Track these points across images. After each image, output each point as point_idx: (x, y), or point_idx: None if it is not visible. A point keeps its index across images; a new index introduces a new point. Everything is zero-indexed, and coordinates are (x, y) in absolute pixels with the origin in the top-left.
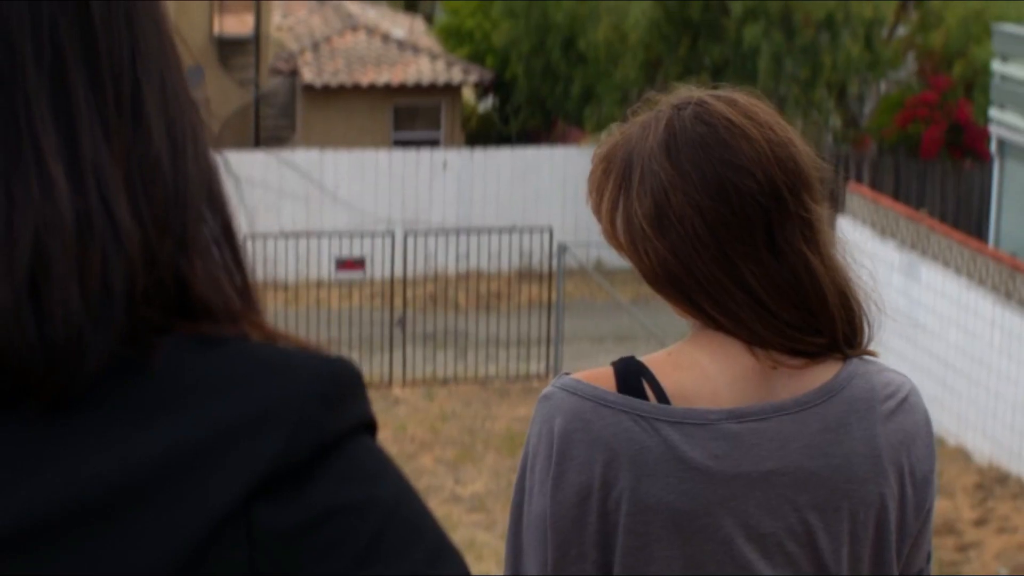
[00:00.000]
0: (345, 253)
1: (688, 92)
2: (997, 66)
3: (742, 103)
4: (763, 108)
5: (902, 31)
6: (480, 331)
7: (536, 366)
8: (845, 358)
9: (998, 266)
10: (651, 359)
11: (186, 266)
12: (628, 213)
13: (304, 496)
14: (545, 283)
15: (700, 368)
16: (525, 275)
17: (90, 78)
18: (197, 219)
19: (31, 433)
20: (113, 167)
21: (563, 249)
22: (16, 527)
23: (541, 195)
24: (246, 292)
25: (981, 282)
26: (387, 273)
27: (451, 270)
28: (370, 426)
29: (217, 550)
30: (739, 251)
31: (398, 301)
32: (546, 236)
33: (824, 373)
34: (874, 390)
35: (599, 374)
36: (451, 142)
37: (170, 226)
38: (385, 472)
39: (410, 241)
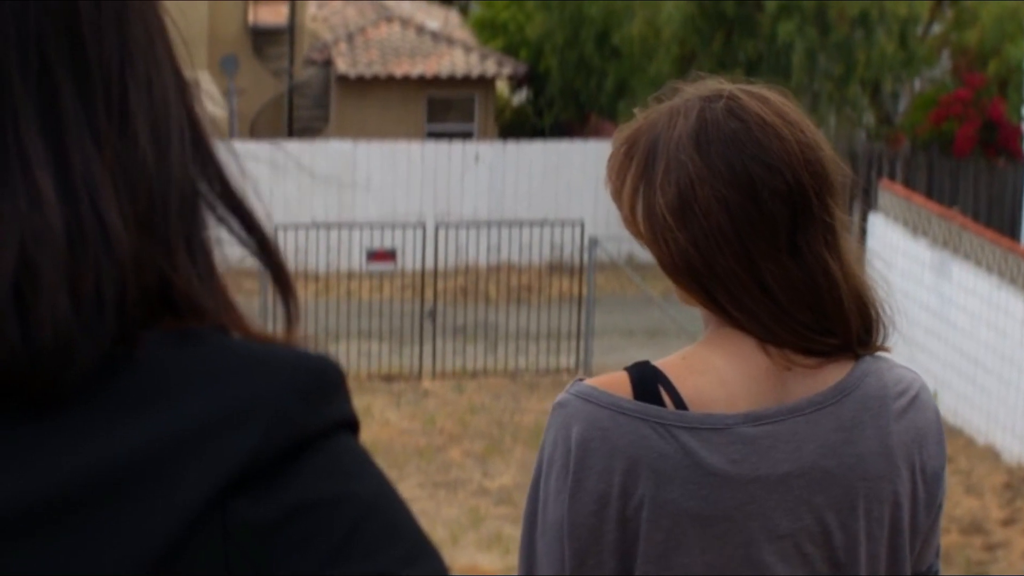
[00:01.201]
0: (376, 244)
1: (718, 85)
2: None
3: (774, 101)
4: (793, 108)
5: (937, 29)
6: (510, 324)
7: (566, 360)
8: (856, 356)
9: None
10: (666, 364)
11: (168, 265)
12: (650, 201)
13: (279, 491)
14: (576, 277)
15: (716, 372)
16: (556, 268)
17: (78, 85)
18: (180, 216)
19: (9, 430)
20: (103, 175)
21: (594, 243)
22: None
23: (573, 188)
24: (280, 279)
25: (1013, 281)
26: (418, 265)
27: (482, 263)
28: (351, 425)
29: (193, 545)
30: (761, 249)
31: (429, 293)
32: (577, 230)
33: (837, 372)
34: (886, 388)
35: (614, 380)
36: (484, 134)
37: (155, 228)
38: (363, 470)
39: (441, 233)
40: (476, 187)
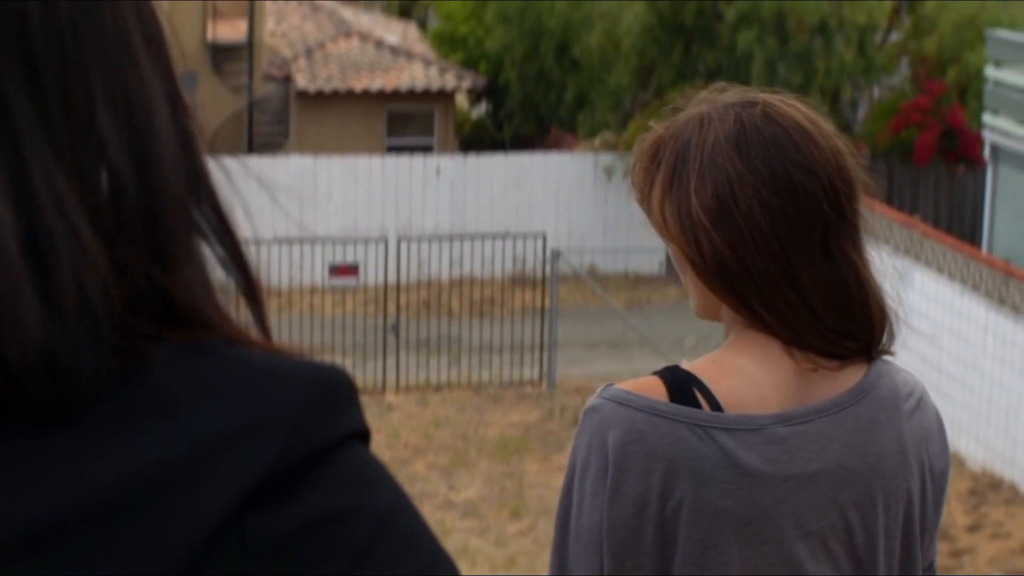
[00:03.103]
0: (339, 259)
1: (744, 92)
2: (991, 71)
3: (804, 108)
4: (821, 115)
5: (895, 37)
6: (473, 337)
7: (529, 372)
8: (869, 358)
9: (991, 272)
10: (697, 367)
11: (164, 276)
12: (682, 203)
13: (296, 504)
14: (538, 289)
15: (746, 374)
16: (518, 281)
17: (32, 97)
18: (176, 228)
19: (23, 445)
20: (65, 184)
21: (556, 255)
22: (4, 539)
23: (534, 201)
24: (254, 300)
25: (974, 288)
26: (380, 279)
27: (444, 276)
28: (363, 435)
29: (211, 560)
30: (797, 252)
31: (391, 307)
32: (539, 242)
33: (854, 373)
34: (897, 389)
35: (648, 384)
36: (444, 148)
37: (137, 237)
38: (379, 481)
39: (403, 247)
40: (437, 201)
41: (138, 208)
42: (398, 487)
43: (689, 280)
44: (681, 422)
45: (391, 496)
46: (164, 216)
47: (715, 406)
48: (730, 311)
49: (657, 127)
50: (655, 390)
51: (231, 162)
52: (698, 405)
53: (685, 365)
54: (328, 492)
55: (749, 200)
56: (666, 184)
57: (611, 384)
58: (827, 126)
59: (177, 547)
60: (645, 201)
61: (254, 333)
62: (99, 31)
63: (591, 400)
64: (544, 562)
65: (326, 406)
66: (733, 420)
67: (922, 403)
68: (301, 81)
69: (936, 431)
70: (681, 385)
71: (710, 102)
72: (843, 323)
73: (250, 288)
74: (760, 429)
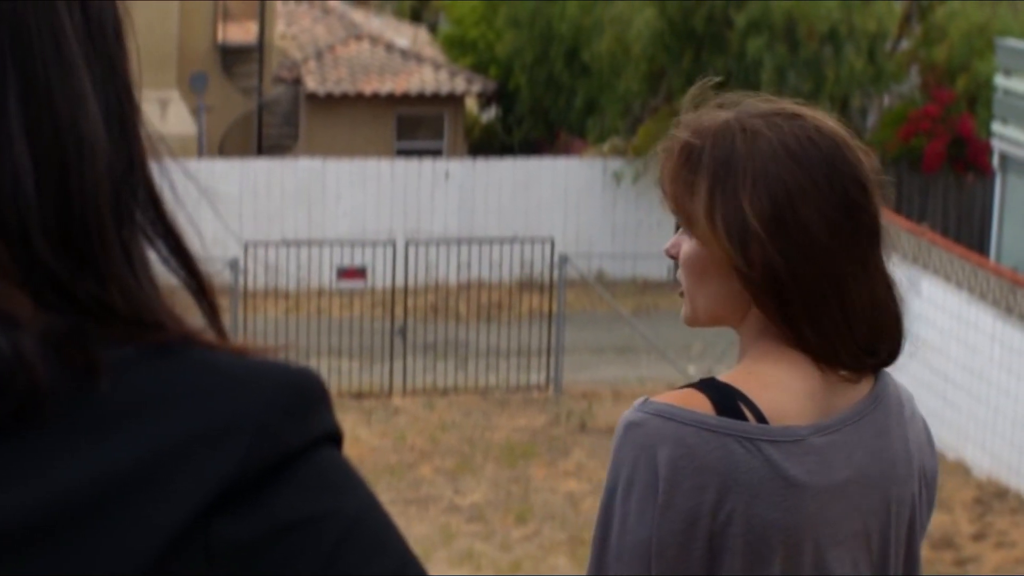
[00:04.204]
0: (346, 262)
1: (773, 101)
2: (1000, 80)
3: (838, 124)
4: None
5: (905, 45)
6: (480, 341)
7: (536, 377)
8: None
9: (999, 281)
10: (735, 379)
11: (93, 280)
12: (734, 211)
13: (264, 509)
14: (546, 294)
15: (784, 385)
16: (526, 286)
17: None
18: (103, 230)
19: None
20: None
21: (564, 260)
22: None
23: (543, 206)
24: (204, 301)
25: (982, 296)
26: (388, 282)
27: (452, 280)
28: (335, 438)
29: (176, 565)
30: (847, 267)
31: (399, 310)
32: (547, 247)
33: (866, 381)
34: (900, 396)
35: (688, 397)
36: (454, 152)
37: (52, 239)
38: (349, 485)
39: (411, 251)
40: (446, 204)
41: (49, 208)
42: (368, 490)
43: (704, 287)
44: (730, 435)
45: (360, 500)
46: (87, 218)
47: (760, 418)
48: (755, 323)
49: (680, 133)
50: (699, 403)
51: (240, 164)
52: (744, 418)
53: (723, 377)
54: (296, 497)
55: (809, 211)
56: (711, 192)
57: (648, 399)
58: (858, 141)
59: (140, 553)
60: (682, 209)
61: (215, 335)
62: (21, 32)
63: (630, 415)
64: (549, 567)
65: (295, 409)
66: (778, 432)
67: (915, 409)
68: (311, 83)
69: (926, 435)
70: (726, 398)
71: (734, 110)
72: (872, 340)
73: (199, 288)
74: (801, 440)
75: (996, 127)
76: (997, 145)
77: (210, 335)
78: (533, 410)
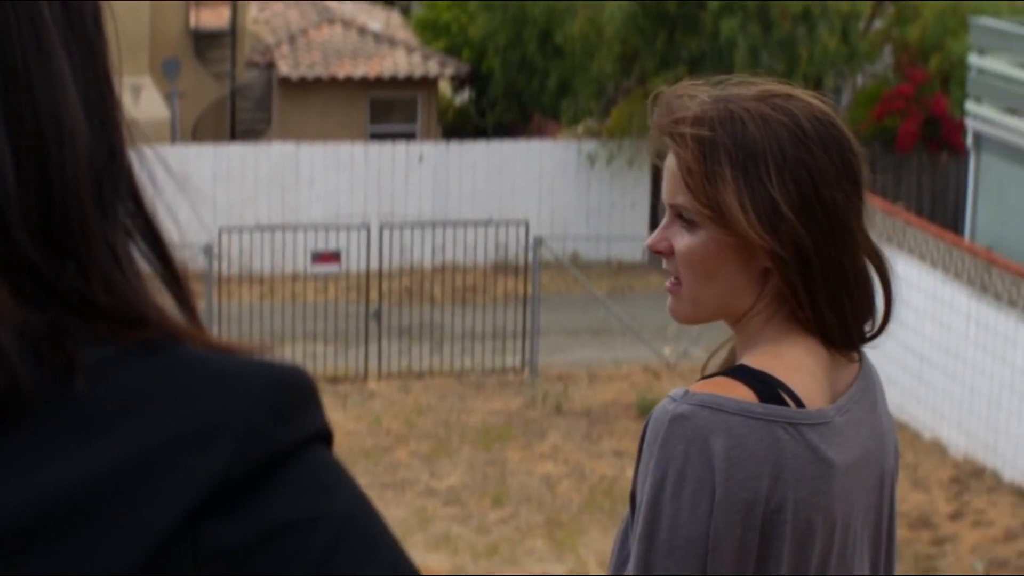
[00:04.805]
0: (321, 246)
1: (771, 84)
2: (974, 59)
3: (820, 98)
4: None
5: (878, 24)
6: (456, 324)
7: (512, 359)
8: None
9: (974, 260)
10: (765, 364)
11: (75, 274)
12: (763, 197)
13: (253, 511)
14: (521, 276)
15: (807, 368)
16: (501, 268)
17: None
18: (86, 224)
19: None
20: None
21: (539, 242)
22: None
23: (517, 188)
24: (182, 297)
25: (957, 276)
26: (363, 266)
27: (427, 263)
28: (325, 436)
29: (163, 570)
30: (858, 240)
31: (374, 294)
32: (522, 229)
33: (856, 360)
34: (876, 372)
35: (728, 385)
36: (427, 135)
37: (35, 233)
38: (339, 485)
39: (386, 234)
40: (420, 188)
41: (30, 200)
42: (358, 490)
43: (715, 279)
44: (776, 422)
45: (351, 500)
46: (69, 209)
47: (797, 403)
48: (766, 309)
49: (686, 128)
50: (741, 392)
51: (213, 149)
52: (784, 404)
53: (751, 364)
54: (286, 499)
55: (829, 190)
56: (738, 182)
57: (688, 390)
58: None
59: (127, 558)
60: (709, 202)
61: (203, 330)
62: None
63: (676, 408)
64: (526, 549)
65: (285, 409)
66: (814, 415)
67: (882, 384)
68: (284, 68)
69: (888, 408)
70: (765, 385)
71: (718, 95)
72: (868, 316)
73: (176, 285)
74: (830, 422)
75: (970, 106)
76: (971, 124)
77: (196, 331)
78: (508, 393)
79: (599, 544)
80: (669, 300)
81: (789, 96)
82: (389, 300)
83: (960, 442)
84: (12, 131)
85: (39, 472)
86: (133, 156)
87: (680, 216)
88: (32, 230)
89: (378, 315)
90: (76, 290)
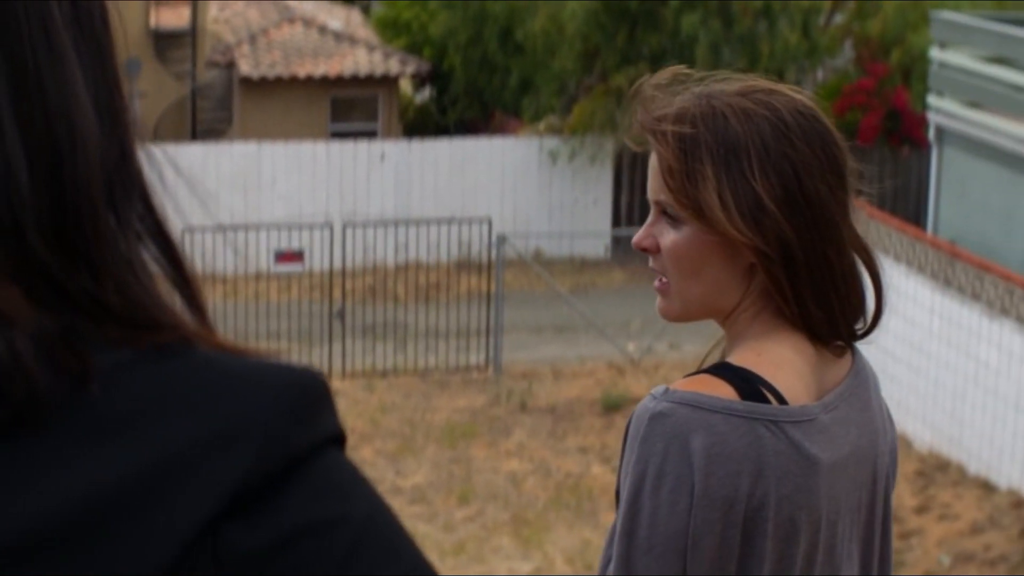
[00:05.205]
0: (284, 246)
1: (750, 79)
2: (935, 53)
3: (803, 93)
4: None
5: (839, 19)
6: (419, 323)
7: (476, 357)
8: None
9: (937, 253)
10: (748, 362)
11: (88, 277)
12: (746, 193)
13: (274, 515)
14: (484, 274)
15: (792, 365)
16: (464, 266)
17: None
18: (99, 226)
19: None
20: None
21: (502, 240)
22: None
23: (479, 186)
24: (193, 300)
25: (920, 269)
26: (326, 265)
27: (390, 262)
28: (340, 439)
29: (185, 574)
30: (845, 235)
31: (337, 293)
32: (485, 227)
33: (847, 356)
34: (871, 369)
35: (708, 383)
36: (388, 133)
37: (47, 235)
38: (357, 488)
39: (348, 233)
40: (382, 186)
41: (42, 202)
42: (376, 493)
43: (701, 275)
44: (756, 419)
45: (369, 503)
46: (81, 211)
47: (780, 399)
48: (751, 306)
49: (667, 125)
50: (722, 389)
51: (172, 148)
52: (766, 401)
53: (734, 361)
54: (306, 502)
55: (813, 184)
56: (719, 178)
57: (668, 388)
58: None
59: (150, 562)
60: (689, 200)
61: (216, 333)
62: (10, 23)
63: (656, 405)
64: (492, 547)
65: (302, 412)
66: (797, 412)
67: (878, 381)
68: (244, 67)
69: (886, 407)
70: (747, 382)
71: (700, 91)
72: (858, 312)
73: (188, 287)
74: (814, 419)
75: (932, 100)
76: (933, 118)
77: (208, 334)
78: (473, 390)
79: (565, 541)
80: (658, 300)
81: (771, 91)
82: (352, 299)
83: (925, 436)
84: (24, 132)
85: (60, 478)
86: (142, 157)
87: (665, 213)
88: (45, 233)
89: (342, 314)
90: (89, 293)
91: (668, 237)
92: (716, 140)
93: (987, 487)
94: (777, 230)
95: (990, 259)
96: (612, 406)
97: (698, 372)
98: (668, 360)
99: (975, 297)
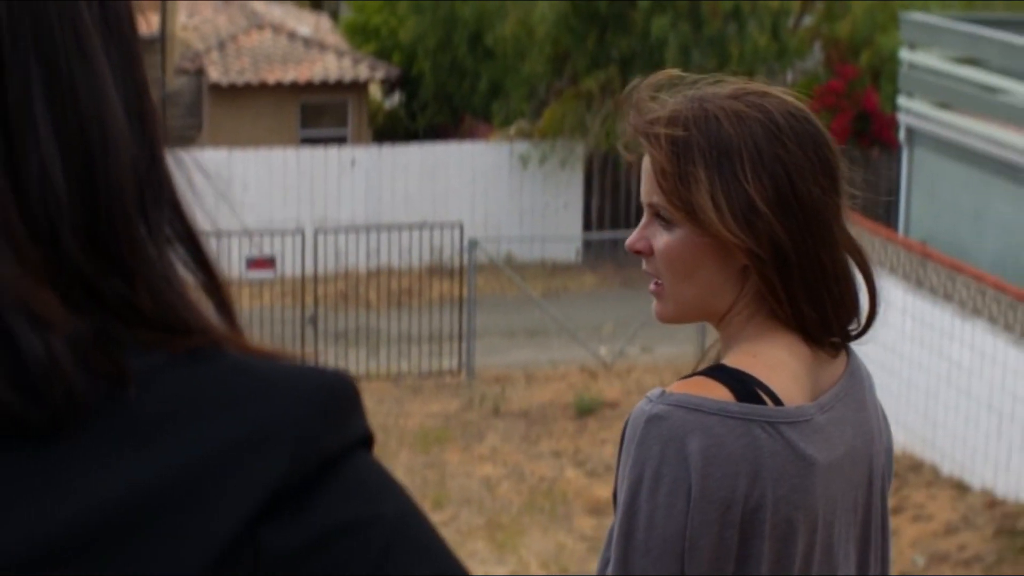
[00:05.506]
0: (255, 252)
1: (741, 82)
2: (905, 54)
3: (795, 96)
4: None
5: (808, 21)
6: (392, 328)
7: (448, 362)
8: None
9: (908, 254)
10: (743, 364)
11: (121, 281)
12: (738, 195)
13: (309, 515)
14: (456, 279)
15: (787, 366)
16: (436, 271)
17: None
18: (131, 229)
19: (15, 465)
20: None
21: (473, 244)
22: (1, 565)
23: (450, 191)
24: (222, 304)
25: (892, 270)
26: (298, 271)
27: (362, 267)
28: (368, 440)
29: (224, 575)
30: (838, 237)
31: (309, 299)
32: (456, 232)
33: (842, 358)
34: (866, 370)
35: (704, 385)
36: (358, 139)
37: (81, 239)
38: (388, 488)
39: (320, 239)
40: (353, 192)
41: (77, 206)
42: (406, 493)
43: (695, 277)
44: (752, 421)
45: (400, 503)
46: (114, 215)
47: (776, 401)
48: (745, 307)
49: (660, 128)
50: (718, 391)
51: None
52: (762, 402)
53: (730, 363)
54: (340, 503)
55: (805, 186)
56: (712, 180)
57: (664, 390)
58: None
59: (191, 564)
60: (682, 202)
61: (244, 337)
62: (43, 25)
63: (652, 408)
64: (467, 552)
65: (333, 414)
66: (793, 413)
67: (873, 382)
68: (214, 74)
69: (881, 407)
70: (743, 384)
71: (692, 95)
72: (851, 313)
73: (217, 292)
74: (810, 419)
75: (902, 101)
76: (903, 119)
77: (239, 338)
78: (446, 395)
79: (540, 545)
80: (654, 303)
81: (764, 93)
82: (324, 305)
83: (898, 437)
84: (59, 138)
85: (99, 480)
86: (170, 161)
87: (658, 215)
88: (80, 238)
89: (314, 320)
90: (122, 297)
91: (661, 239)
92: (709, 142)
93: (960, 487)
94: (770, 232)
95: (961, 259)
96: (585, 410)
97: (693, 374)
98: (640, 363)
99: (947, 298)
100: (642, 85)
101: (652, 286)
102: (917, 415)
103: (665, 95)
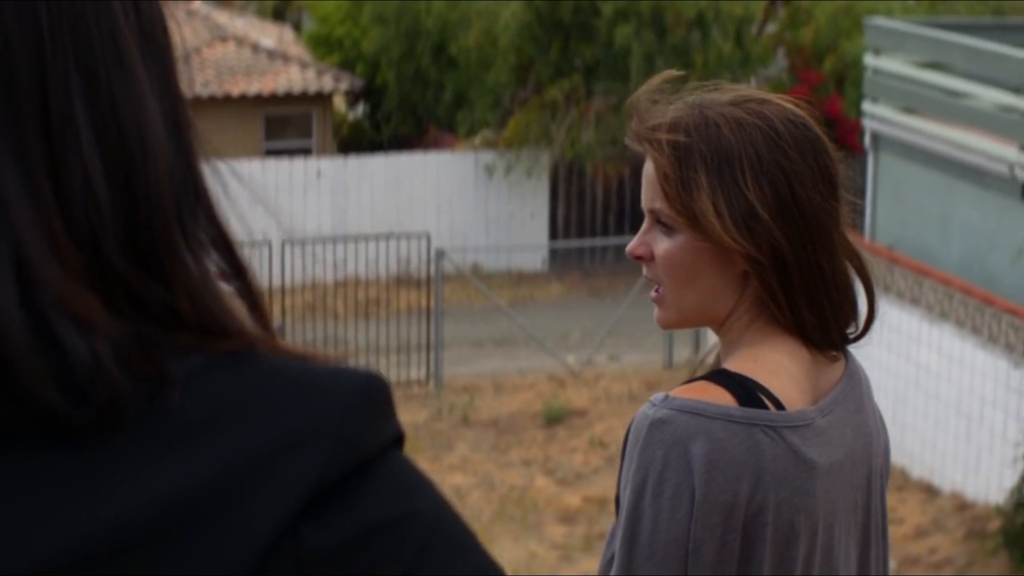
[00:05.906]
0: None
1: (741, 89)
2: (870, 60)
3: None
4: None
5: (772, 28)
6: (359, 338)
7: (416, 372)
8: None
9: (875, 259)
10: (745, 368)
11: (161, 286)
12: (739, 201)
13: (348, 514)
14: (423, 289)
15: (788, 370)
16: (403, 281)
17: (7, 101)
18: (171, 233)
19: (61, 466)
20: (32, 204)
21: (440, 254)
22: (50, 565)
23: (416, 201)
24: (256, 308)
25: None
26: (264, 283)
27: (328, 278)
28: (400, 440)
29: (268, 574)
30: (840, 243)
31: (276, 310)
32: (423, 242)
33: (841, 361)
34: (864, 372)
35: (706, 390)
36: (323, 150)
37: (123, 244)
38: (423, 487)
39: (287, 250)
40: (319, 203)
41: (118, 213)
42: (439, 492)
43: (696, 283)
44: (755, 425)
45: (435, 501)
46: (153, 222)
47: (778, 405)
48: (745, 313)
49: (662, 134)
50: (720, 396)
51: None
52: (764, 407)
53: (732, 368)
54: (377, 501)
55: (805, 192)
56: (713, 186)
57: (667, 395)
58: None
59: (232, 563)
60: (684, 208)
61: (278, 340)
62: (82, 33)
63: (655, 413)
64: None
65: (369, 415)
66: (795, 417)
67: (871, 384)
68: None
69: (878, 409)
70: (745, 388)
71: (692, 101)
72: (850, 318)
73: (251, 296)
74: (811, 423)
75: (867, 106)
76: (868, 124)
77: (274, 341)
78: (415, 405)
79: (511, 553)
80: (655, 311)
81: (763, 100)
82: (292, 316)
83: None
84: (100, 146)
85: (143, 481)
86: (205, 168)
87: (659, 221)
88: (121, 244)
89: (281, 331)
90: (162, 302)
91: (662, 245)
92: (710, 149)
93: (930, 491)
94: (770, 238)
95: (928, 263)
96: (554, 418)
97: (695, 379)
98: (608, 371)
99: (914, 302)
100: (642, 90)
101: (653, 294)
102: (886, 419)
103: (666, 99)
